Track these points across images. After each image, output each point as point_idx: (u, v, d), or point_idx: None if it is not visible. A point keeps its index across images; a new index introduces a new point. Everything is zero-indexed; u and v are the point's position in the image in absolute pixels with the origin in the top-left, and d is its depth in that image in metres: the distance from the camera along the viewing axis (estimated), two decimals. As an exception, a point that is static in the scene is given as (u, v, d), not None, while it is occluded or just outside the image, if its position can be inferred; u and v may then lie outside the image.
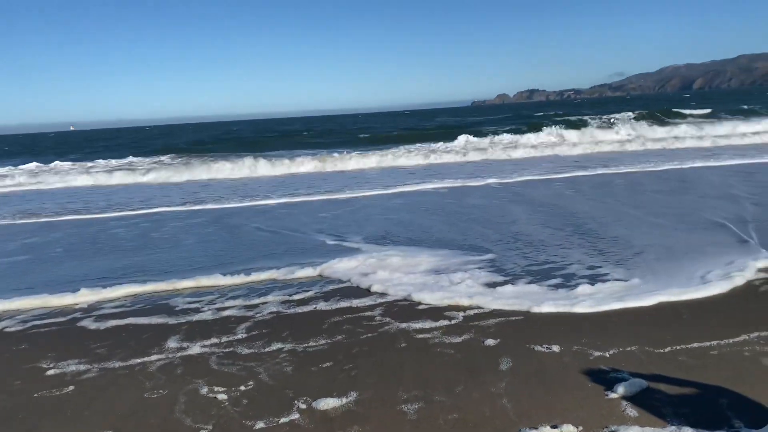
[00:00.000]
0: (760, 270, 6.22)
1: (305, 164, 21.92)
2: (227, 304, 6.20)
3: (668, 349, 4.47)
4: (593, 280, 6.22)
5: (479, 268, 6.98)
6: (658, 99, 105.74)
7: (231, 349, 4.99)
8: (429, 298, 6.01)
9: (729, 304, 5.36)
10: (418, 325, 5.29)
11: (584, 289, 5.89)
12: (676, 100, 74.21)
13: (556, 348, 4.60)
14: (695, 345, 4.50)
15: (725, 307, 5.28)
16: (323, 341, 5.06)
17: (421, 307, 5.80)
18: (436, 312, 5.62)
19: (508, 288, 6.14)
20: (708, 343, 4.50)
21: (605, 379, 4.02)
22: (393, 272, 6.98)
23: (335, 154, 23.36)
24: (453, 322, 5.33)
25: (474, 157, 22.47)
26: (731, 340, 4.53)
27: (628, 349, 4.50)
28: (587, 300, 5.59)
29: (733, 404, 3.57)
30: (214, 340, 5.19)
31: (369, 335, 5.15)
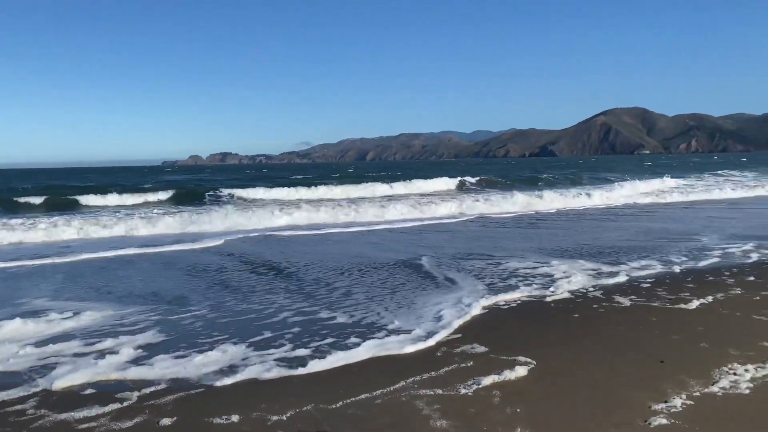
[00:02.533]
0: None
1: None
2: None
3: (340, 403, 4.77)
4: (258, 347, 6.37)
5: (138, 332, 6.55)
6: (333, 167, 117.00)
7: None
8: (78, 377, 5.42)
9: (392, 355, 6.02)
10: (82, 414, 4.66)
11: (252, 357, 5.97)
12: (333, 168, 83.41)
13: (235, 418, 4.52)
14: (363, 396, 4.90)
15: (388, 360, 5.91)
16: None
17: (88, 391, 5.14)
18: (104, 396, 5.03)
19: (174, 357, 5.87)
20: (373, 393, 4.95)
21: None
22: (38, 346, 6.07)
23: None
24: (126, 404, 4.83)
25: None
26: (391, 388, 5.06)
27: (305, 408, 4.67)
28: (260, 365, 5.69)
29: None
30: None
31: (16, 435, 4.33)
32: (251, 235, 16.23)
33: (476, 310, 7.50)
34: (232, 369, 5.60)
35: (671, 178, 37.16)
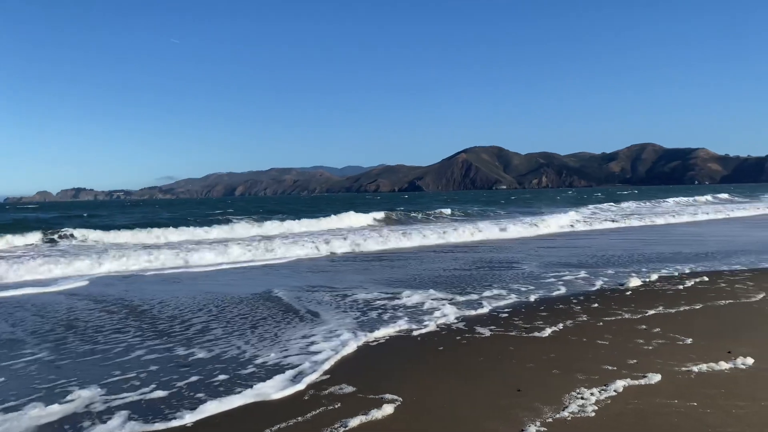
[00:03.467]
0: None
1: None
2: None
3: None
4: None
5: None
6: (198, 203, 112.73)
7: None
8: None
9: (256, 401, 5.75)
10: None
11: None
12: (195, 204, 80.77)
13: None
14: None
15: (255, 408, 5.66)
16: None
17: None
18: None
19: None
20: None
21: None
22: None
23: None
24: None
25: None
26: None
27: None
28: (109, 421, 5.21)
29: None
30: None
31: None
32: (104, 276, 15.04)
33: (345, 348, 7.46)
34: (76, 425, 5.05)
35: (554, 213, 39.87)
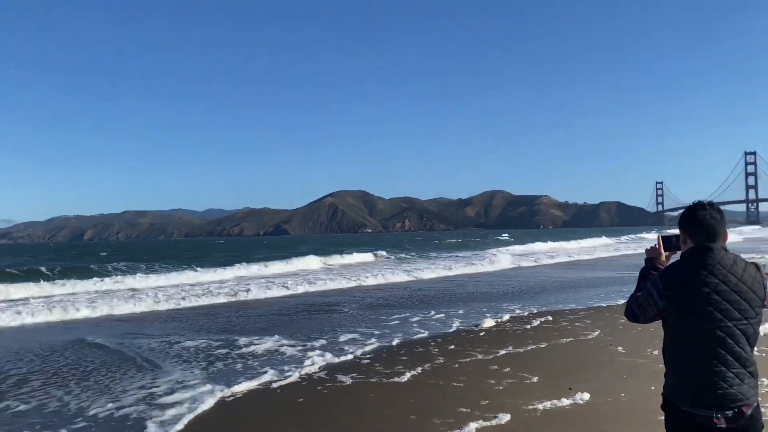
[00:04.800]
0: None
1: None
2: None
3: None
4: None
5: None
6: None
7: None
8: None
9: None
10: None
11: None
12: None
13: None
14: None
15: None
16: None
17: None
18: None
19: None
20: None
21: None
22: None
23: None
24: None
25: None
26: None
27: None
28: None
29: None
30: None
31: None
32: None
33: (201, 405, 7.03)
34: None
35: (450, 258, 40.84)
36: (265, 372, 8.64)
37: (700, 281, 2.89)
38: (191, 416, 6.69)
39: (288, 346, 10.65)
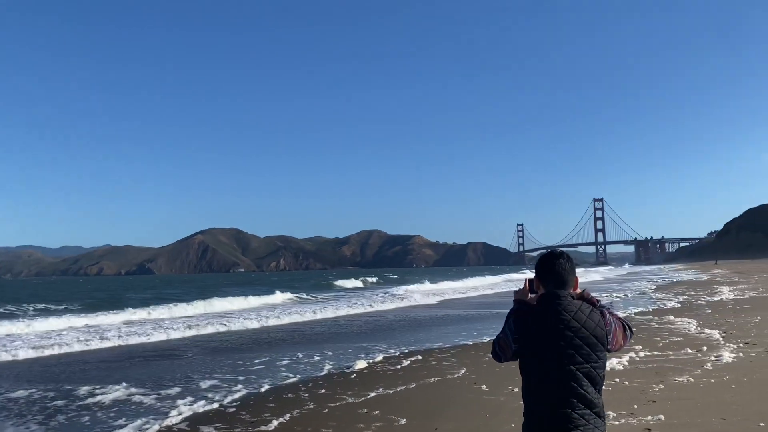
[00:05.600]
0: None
1: None
2: None
3: None
4: None
5: None
6: None
7: None
8: None
9: None
10: None
11: None
12: None
13: None
14: None
15: None
16: None
17: None
18: None
19: None
20: None
21: None
22: None
23: None
24: None
25: None
26: None
27: None
28: None
29: None
30: None
31: None
32: None
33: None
34: None
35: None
36: (123, 426, 7.93)
37: (546, 327, 3.07)
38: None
39: (140, 395, 9.88)
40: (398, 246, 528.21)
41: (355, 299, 36.59)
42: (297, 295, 42.40)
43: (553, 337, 3.05)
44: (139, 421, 8.21)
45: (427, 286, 55.05)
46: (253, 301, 35.39)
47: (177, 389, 10.44)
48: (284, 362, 13.22)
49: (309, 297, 42.36)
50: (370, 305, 32.33)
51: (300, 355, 14.14)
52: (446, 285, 57.54)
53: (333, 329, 20.90)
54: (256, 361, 13.55)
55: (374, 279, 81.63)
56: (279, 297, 39.28)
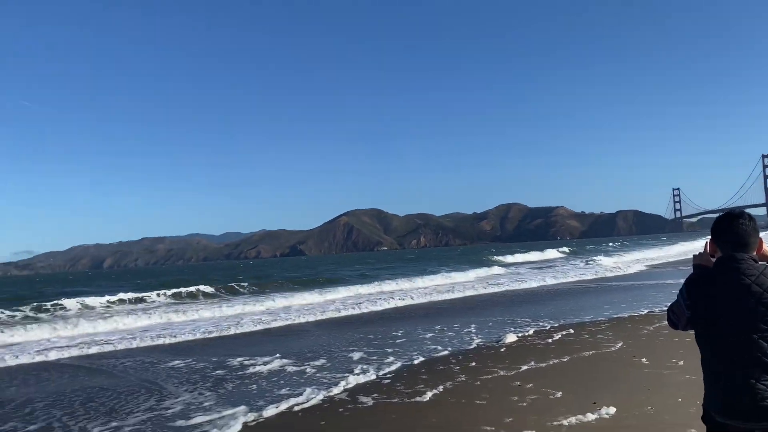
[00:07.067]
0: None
1: None
2: None
3: None
4: None
5: None
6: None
7: None
8: None
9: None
10: None
11: None
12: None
13: None
14: None
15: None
16: None
17: None
18: None
19: None
20: None
21: None
22: None
23: None
24: None
25: None
26: None
27: None
28: None
29: None
30: None
31: None
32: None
33: (229, 429, 7.03)
34: None
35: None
36: (286, 391, 8.62)
37: (723, 293, 2.85)
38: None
39: (310, 368, 10.62)
40: (539, 219, 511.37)
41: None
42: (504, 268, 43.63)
43: (731, 304, 2.82)
44: (304, 389, 8.86)
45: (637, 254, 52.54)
46: (471, 274, 36.81)
47: (355, 362, 11.08)
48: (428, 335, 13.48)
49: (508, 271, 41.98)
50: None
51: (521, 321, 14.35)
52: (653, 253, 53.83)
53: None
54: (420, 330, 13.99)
55: (566, 249, 76.67)
56: (496, 269, 41.93)
